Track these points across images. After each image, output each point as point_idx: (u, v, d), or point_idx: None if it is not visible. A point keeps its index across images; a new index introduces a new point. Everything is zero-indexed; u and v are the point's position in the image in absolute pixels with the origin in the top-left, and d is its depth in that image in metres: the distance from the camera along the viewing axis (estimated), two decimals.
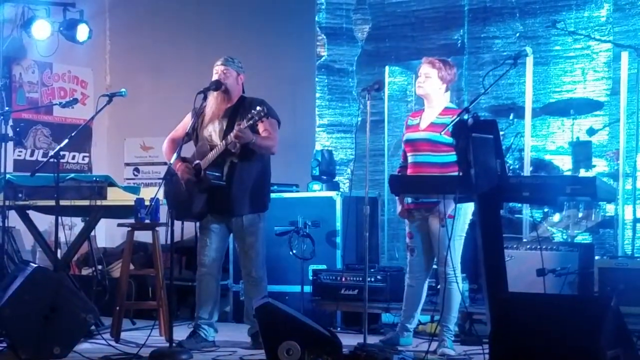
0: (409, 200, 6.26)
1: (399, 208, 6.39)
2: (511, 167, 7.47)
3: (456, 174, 6.04)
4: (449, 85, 6.31)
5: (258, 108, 6.06)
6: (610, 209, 7.53)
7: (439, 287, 6.46)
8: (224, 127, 6.42)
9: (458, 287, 6.09)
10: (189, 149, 6.65)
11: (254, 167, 6.45)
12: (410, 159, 6.29)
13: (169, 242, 6.13)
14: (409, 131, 6.34)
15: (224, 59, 6.50)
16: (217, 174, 6.36)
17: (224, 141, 6.28)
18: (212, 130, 6.47)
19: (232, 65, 6.48)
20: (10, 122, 8.31)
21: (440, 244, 6.05)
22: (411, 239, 6.34)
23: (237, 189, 6.39)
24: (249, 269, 6.52)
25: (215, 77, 6.45)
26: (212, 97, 6.46)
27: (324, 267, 7.54)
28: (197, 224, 6.62)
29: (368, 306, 6.50)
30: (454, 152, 6.06)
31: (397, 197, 6.38)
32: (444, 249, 6.04)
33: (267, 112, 6.06)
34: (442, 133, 5.96)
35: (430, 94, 6.26)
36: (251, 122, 6.08)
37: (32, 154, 9.92)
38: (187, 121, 6.62)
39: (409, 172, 6.25)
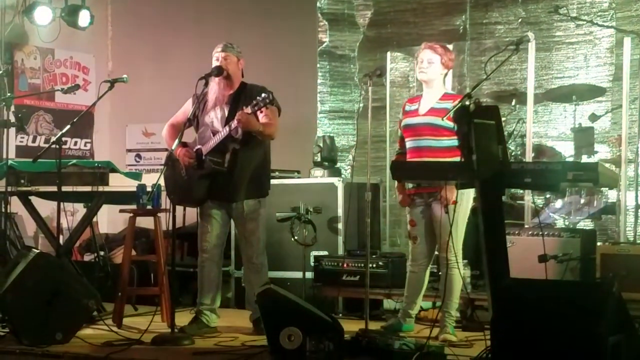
0: (410, 185, 6.25)
1: (399, 197, 6.38)
2: (513, 153, 7.47)
3: (458, 158, 6.07)
4: (449, 71, 6.32)
5: (263, 95, 6.06)
6: (612, 195, 7.52)
7: (440, 273, 6.47)
8: (226, 114, 6.42)
9: (459, 272, 6.10)
10: (189, 135, 6.64)
11: (255, 153, 6.46)
12: (409, 144, 6.26)
13: (170, 228, 6.13)
14: (407, 116, 6.31)
15: (223, 45, 6.49)
16: (218, 159, 6.36)
17: (226, 127, 6.28)
18: (214, 117, 6.47)
19: (232, 51, 6.47)
20: (13, 108, 8.32)
21: (443, 230, 6.05)
22: (414, 226, 6.33)
23: (238, 175, 6.39)
24: (250, 255, 6.53)
25: (215, 64, 6.44)
26: (214, 83, 6.46)
27: (325, 253, 7.54)
28: (198, 210, 6.63)
29: (370, 292, 6.51)
30: (455, 137, 6.09)
31: (396, 186, 6.38)
32: (446, 235, 6.04)
33: (272, 99, 6.07)
34: (444, 118, 5.96)
35: (434, 79, 6.26)
36: (255, 108, 6.09)
37: (34, 140, 9.93)
38: (188, 107, 6.62)
39: (409, 157, 6.23)
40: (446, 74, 6.30)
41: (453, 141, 6.03)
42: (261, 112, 6.20)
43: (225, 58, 6.44)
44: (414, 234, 6.33)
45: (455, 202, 5.96)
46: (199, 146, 6.45)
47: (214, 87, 6.46)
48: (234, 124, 6.19)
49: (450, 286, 6.09)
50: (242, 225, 6.51)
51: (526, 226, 7.12)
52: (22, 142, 9.77)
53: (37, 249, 6.65)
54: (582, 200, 7.29)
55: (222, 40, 6.56)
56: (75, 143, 10.23)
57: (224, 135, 6.29)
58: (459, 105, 5.12)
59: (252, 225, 6.47)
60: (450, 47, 8.14)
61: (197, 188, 6.44)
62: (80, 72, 10.42)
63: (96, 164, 7.38)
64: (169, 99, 7.84)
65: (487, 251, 4.80)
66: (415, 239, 6.33)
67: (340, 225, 7.64)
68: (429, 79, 6.27)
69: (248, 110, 6.12)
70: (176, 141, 6.32)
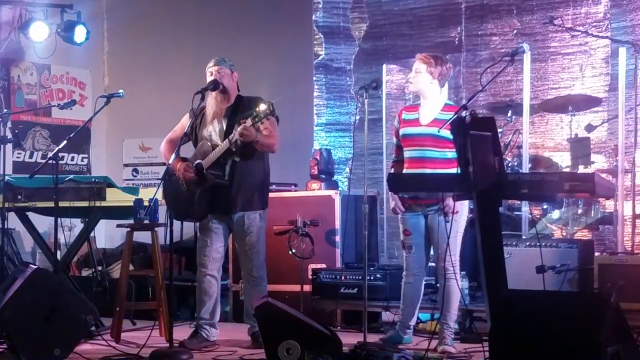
0: (406, 195, 6.22)
1: (392, 203, 6.35)
2: (509, 165, 7.47)
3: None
4: (442, 80, 6.24)
5: (263, 107, 6.06)
6: (609, 205, 7.52)
7: (438, 284, 6.46)
8: (224, 127, 6.41)
9: (458, 283, 6.09)
10: (188, 150, 6.64)
11: (255, 165, 6.46)
12: (409, 154, 6.23)
13: (168, 242, 6.13)
14: (407, 125, 6.28)
15: (215, 60, 6.49)
16: (219, 173, 6.36)
17: (226, 140, 6.27)
18: (212, 130, 6.47)
19: (225, 65, 6.47)
20: (9, 124, 8.32)
21: (443, 240, 6.04)
22: (408, 236, 6.31)
23: (239, 188, 6.39)
24: (250, 269, 6.52)
25: (210, 78, 6.44)
26: (211, 98, 6.46)
27: (323, 266, 7.54)
28: (197, 224, 6.62)
29: (368, 305, 6.51)
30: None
31: (391, 192, 6.36)
32: (446, 245, 6.04)
33: (272, 110, 6.07)
34: (440, 130, 5.96)
35: (422, 89, 6.22)
36: (256, 120, 6.08)
37: (31, 156, 9.92)
38: (185, 122, 6.60)
39: (408, 167, 6.21)
40: (440, 84, 6.22)
41: (454, 153, 6.05)
42: (262, 123, 6.20)
43: (219, 71, 6.44)
44: (408, 244, 6.31)
45: (457, 212, 5.97)
46: (199, 161, 6.44)
47: (211, 101, 6.47)
48: (235, 136, 6.18)
49: (449, 297, 6.08)
50: (241, 238, 6.50)
51: (524, 237, 7.12)
52: (19, 158, 9.76)
53: (35, 265, 6.63)
54: (580, 211, 7.30)
55: (219, 54, 6.56)
56: (72, 158, 10.22)
57: (224, 149, 6.29)
58: (455, 116, 5.13)
59: (252, 238, 6.46)
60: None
61: (199, 203, 6.42)
62: (76, 88, 10.42)
63: (93, 179, 7.37)
64: (165, 114, 7.84)
65: (485, 262, 4.80)
66: (410, 248, 6.30)
67: (337, 238, 7.64)
68: (416, 90, 6.29)
69: (248, 122, 6.12)
70: (173, 155, 6.33)
